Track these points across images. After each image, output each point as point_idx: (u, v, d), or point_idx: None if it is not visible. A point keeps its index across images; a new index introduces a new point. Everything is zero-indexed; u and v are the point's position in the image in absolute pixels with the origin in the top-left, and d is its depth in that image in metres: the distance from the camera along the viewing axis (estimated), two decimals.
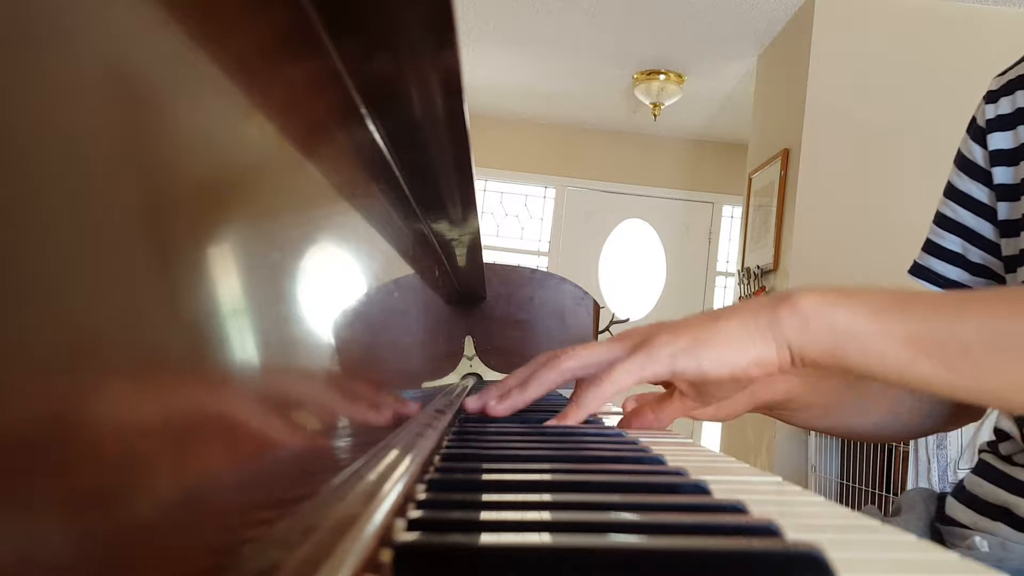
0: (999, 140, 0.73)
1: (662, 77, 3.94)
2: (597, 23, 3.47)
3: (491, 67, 4.10)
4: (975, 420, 0.75)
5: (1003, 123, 0.73)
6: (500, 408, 0.59)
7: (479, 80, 4.25)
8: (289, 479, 0.25)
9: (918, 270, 0.81)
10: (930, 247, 0.80)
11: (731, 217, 5.02)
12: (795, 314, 0.51)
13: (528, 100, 4.60)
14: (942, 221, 0.79)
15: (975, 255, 0.76)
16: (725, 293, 4.98)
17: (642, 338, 0.54)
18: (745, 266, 3.41)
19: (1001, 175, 0.73)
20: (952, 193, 0.78)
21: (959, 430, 2.20)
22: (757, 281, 3.24)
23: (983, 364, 0.49)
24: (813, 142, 2.95)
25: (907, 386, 0.53)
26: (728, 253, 5.04)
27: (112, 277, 0.15)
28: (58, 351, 0.13)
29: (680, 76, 3.96)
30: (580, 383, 0.62)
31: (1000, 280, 0.75)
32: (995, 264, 0.75)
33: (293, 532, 0.22)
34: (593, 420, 0.65)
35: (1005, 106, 0.73)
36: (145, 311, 0.17)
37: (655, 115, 4.12)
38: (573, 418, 0.54)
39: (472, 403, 0.62)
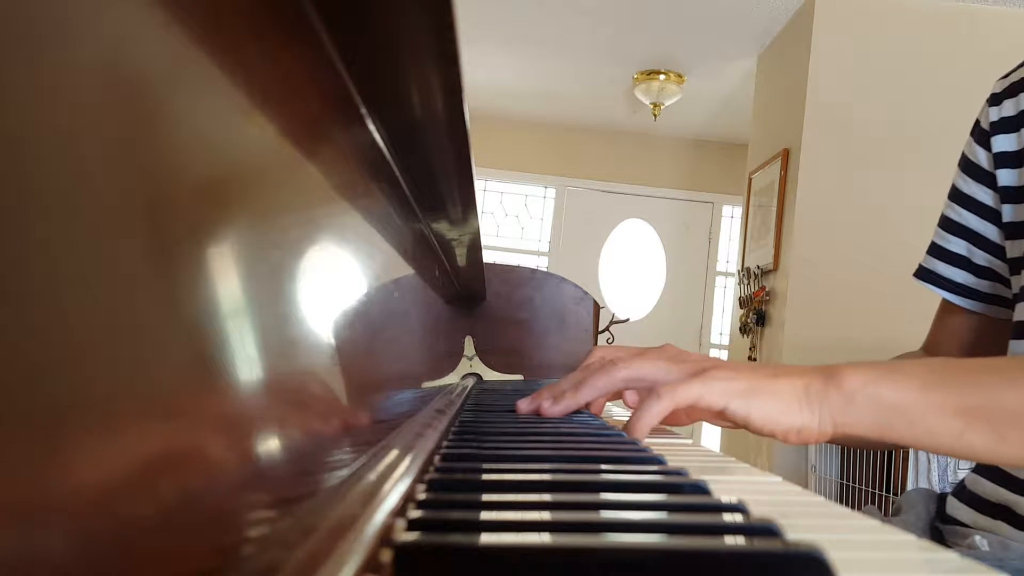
0: (1003, 143, 0.73)
1: (662, 77, 3.94)
2: (597, 23, 3.47)
3: (491, 67, 4.10)
4: None
5: (1007, 126, 0.73)
6: (555, 409, 0.63)
7: (479, 80, 4.25)
8: (289, 479, 0.25)
9: (924, 274, 0.81)
10: (935, 251, 0.80)
11: (731, 217, 5.02)
12: (840, 391, 0.53)
13: (528, 100, 4.60)
14: (947, 224, 0.79)
15: (980, 258, 0.76)
16: (725, 293, 4.98)
17: (700, 367, 0.56)
18: (745, 266, 3.41)
19: (1005, 177, 0.73)
20: (956, 196, 0.78)
21: None
22: (757, 281, 3.24)
23: None
24: (813, 142, 2.95)
25: (954, 455, 0.55)
26: (728, 253, 5.04)
27: (112, 277, 0.15)
28: (58, 351, 0.13)
29: (680, 76, 3.96)
30: (636, 395, 0.64)
31: (1005, 282, 0.75)
32: (1000, 267, 0.75)
33: (293, 532, 0.22)
34: (593, 419, 0.65)
35: (1009, 108, 0.73)
36: (145, 311, 0.17)
37: (655, 115, 4.12)
38: (639, 431, 0.54)
39: (525, 405, 0.65)
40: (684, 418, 0.65)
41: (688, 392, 0.53)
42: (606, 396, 0.65)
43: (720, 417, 0.55)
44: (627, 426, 0.55)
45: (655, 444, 0.59)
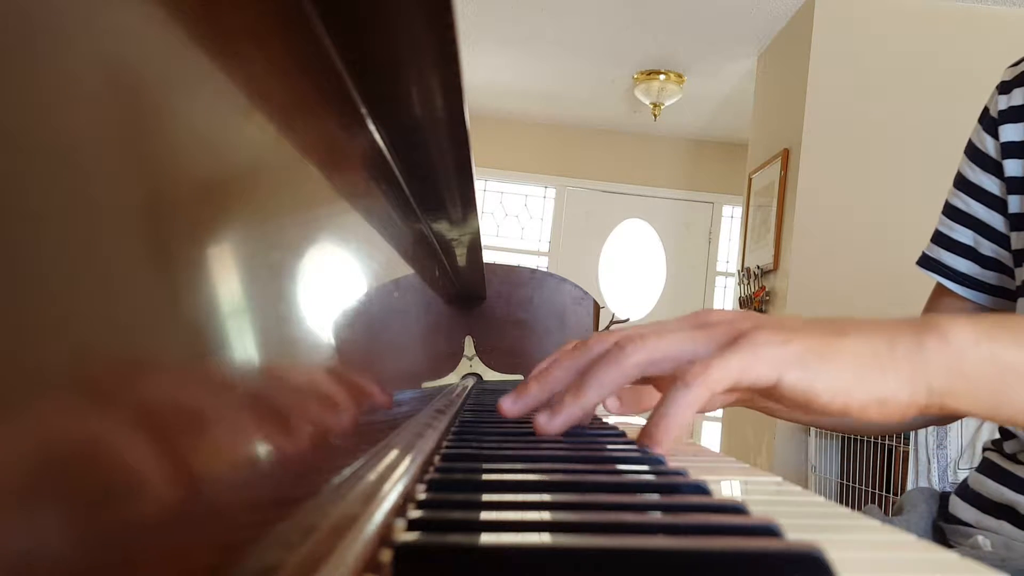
0: (1011, 132, 0.72)
1: (662, 77, 3.94)
2: (597, 23, 3.47)
3: (491, 67, 4.10)
4: None
5: (1016, 115, 0.72)
6: (554, 424, 0.47)
7: (479, 80, 4.25)
8: (289, 479, 0.25)
9: (927, 262, 0.80)
10: (940, 239, 0.79)
11: (731, 217, 5.02)
12: (946, 347, 0.41)
13: (528, 100, 4.61)
14: (952, 213, 0.77)
15: (986, 248, 0.75)
16: (725, 293, 4.98)
17: (735, 329, 0.42)
18: (745, 266, 3.41)
19: (1012, 167, 0.72)
20: (963, 184, 0.77)
21: (959, 430, 2.20)
22: (757, 281, 3.24)
23: None
24: (813, 142, 2.95)
25: None
26: (728, 253, 5.04)
27: (112, 277, 0.15)
28: (58, 351, 0.13)
29: (680, 76, 3.96)
30: (655, 384, 0.51)
31: (1009, 273, 0.75)
32: (1006, 257, 0.74)
33: (293, 532, 0.22)
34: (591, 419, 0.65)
35: (1018, 97, 0.72)
36: (144, 311, 0.17)
37: (655, 115, 4.12)
38: (662, 439, 0.42)
39: (509, 404, 0.50)
40: (719, 401, 0.53)
41: (726, 370, 0.40)
42: (613, 393, 0.47)
43: (769, 395, 0.42)
44: (645, 433, 0.42)
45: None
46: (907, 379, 0.40)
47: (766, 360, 0.40)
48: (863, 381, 0.40)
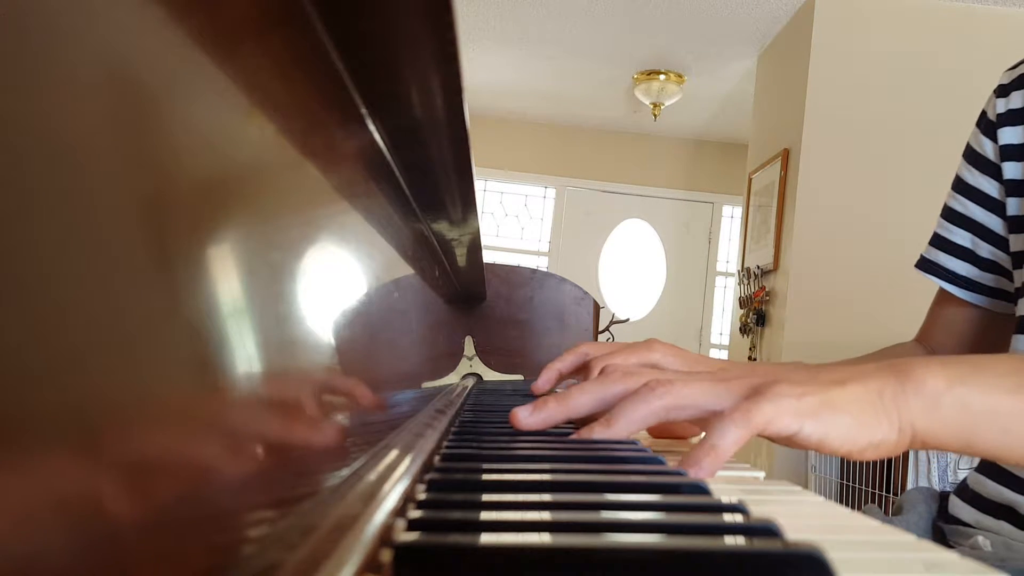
0: (1009, 135, 0.72)
1: (662, 77, 3.94)
2: (597, 23, 3.47)
3: (491, 67, 4.10)
4: None
5: (1014, 118, 0.72)
6: (603, 433, 0.49)
7: (479, 80, 4.25)
8: (289, 479, 0.25)
9: (925, 264, 0.80)
10: (938, 241, 0.79)
11: (731, 217, 5.02)
12: (921, 394, 0.45)
13: (528, 100, 4.61)
14: (950, 215, 0.78)
15: (984, 250, 0.75)
16: (725, 293, 4.98)
17: (751, 385, 0.47)
18: (745, 266, 3.41)
19: (1011, 170, 0.72)
20: (961, 187, 0.77)
21: None
22: (757, 281, 3.24)
23: None
24: (813, 142, 2.95)
25: None
26: (728, 253, 5.04)
27: (112, 277, 0.15)
28: (58, 351, 0.13)
29: (680, 76, 3.96)
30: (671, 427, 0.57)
31: (1008, 275, 0.75)
32: (1004, 259, 0.75)
33: (293, 532, 0.22)
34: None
35: (1016, 100, 0.73)
36: (144, 311, 0.17)
37: (655, 115, 4.12)
38: (709, 468, 0.43)
39: (525, 417, 0.52)
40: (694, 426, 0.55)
41: (762, 415, 0.44)
42: (638, 430, 0.50)
43: (785, 442, 0.46)
44: (692, 459, 0.43)
45: (655, 444, 0.59)
46: (895, 424, 0.45)
47: (789, 413, 0.44)
48: (863, 429, 0.45)
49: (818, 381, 0.46)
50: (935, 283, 0.80)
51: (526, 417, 0.52)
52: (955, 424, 0.45)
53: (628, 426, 0.48)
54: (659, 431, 0.62)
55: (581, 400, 0.52)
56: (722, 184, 4.93)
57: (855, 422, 0.44)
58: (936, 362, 0.47)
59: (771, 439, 0.49)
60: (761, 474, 0.46)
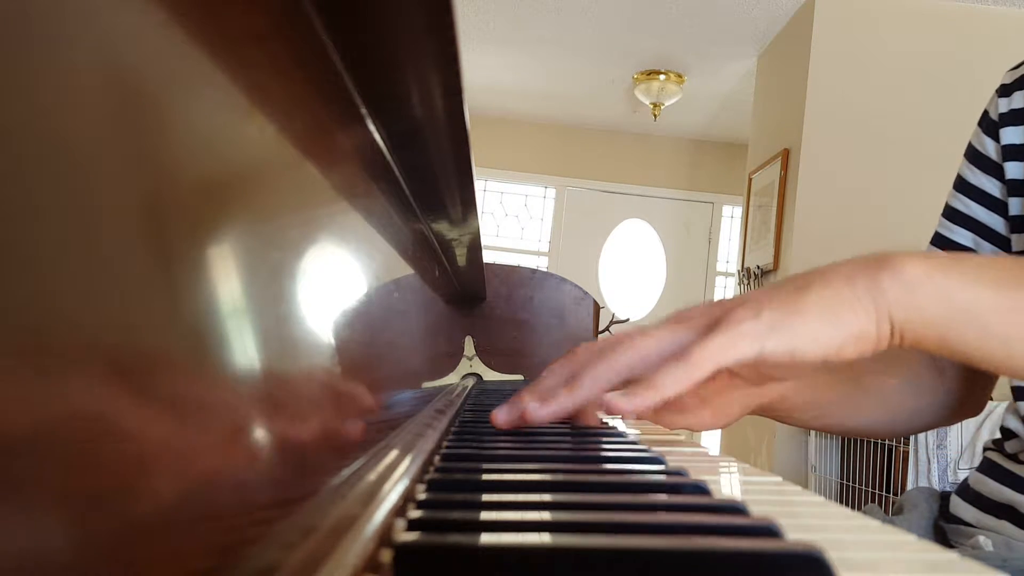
0: (1012, 135, 0.73)
1: (662, 77, 3.94)
2: (597, 23, 3.47)
3: (491, 67, 4.10)
4: (975, 415, 0.75)
5: (1016, 118, 0.73)
6: (543, 413, 0.48)
7: (479, 80, 4.25)
8: (289, 479, 0.25)
9: None
10: (939, 240, 0.79)
11: (731, 217, 5.02)
12: (899, 281, 0.42)
13: (528, 100, 4.61)
14: (952, 215, 0.78)
15: (986, 250, 0.75)
16: (725, 293, 4.98)
17: (712, 316, 0.45)
18: (745, 266, 3.41)
19: (1013, 170, 0.72)
20: (963, 186, 0.77)
21: (959, 430, 2.20)
22: (757, 281, 3.24)
23: None
24: (813, 142, 2.95)
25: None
26: (728, 253, 5.04)
27: (112, 277, 0.15)
28: (59, 351, 0.13)
29: (680, 76, 3.96)
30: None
31: None
32: None
33: (293, 532, 0.22)
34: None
35: (1019, 100, 0.73)
36: (144, 310, 0.17)
37: (655, 115, 4.12)
38: (649, 400, 0.43)
39: (502, 415, 0.51)
40: (736, 412, 0.56)
41: (710, 352, 0.42)
42: (606, 391, 0.48)
43: (759, 374, 0.44)
44: (630, 392, 0.43)
45: (655, 444, 0.59)
46: (872, 314, 0.42)
47: (746, 335, 0.42)
48: (835, 324, 0.42)
49: (778, 293, 0.44)
50: None
51: (503, 416, 0.51)
52: (932, 315, 0.42)
53: (592, 384, 0.47)
54: (654, 420, 0.59)
55: (548, 382, 0.50)
56: (722, 184, 4.93)
57: (824, 322, 0.42)
58: (916, 253, 0.44)
59: (744, 392, 0.48)
60: (777, 478, 0.45)
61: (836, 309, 0.42)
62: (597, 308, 1.54)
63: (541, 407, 0.48)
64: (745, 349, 0.42)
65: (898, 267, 0.43)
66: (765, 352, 0.42)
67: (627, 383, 0.47)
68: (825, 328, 0.42)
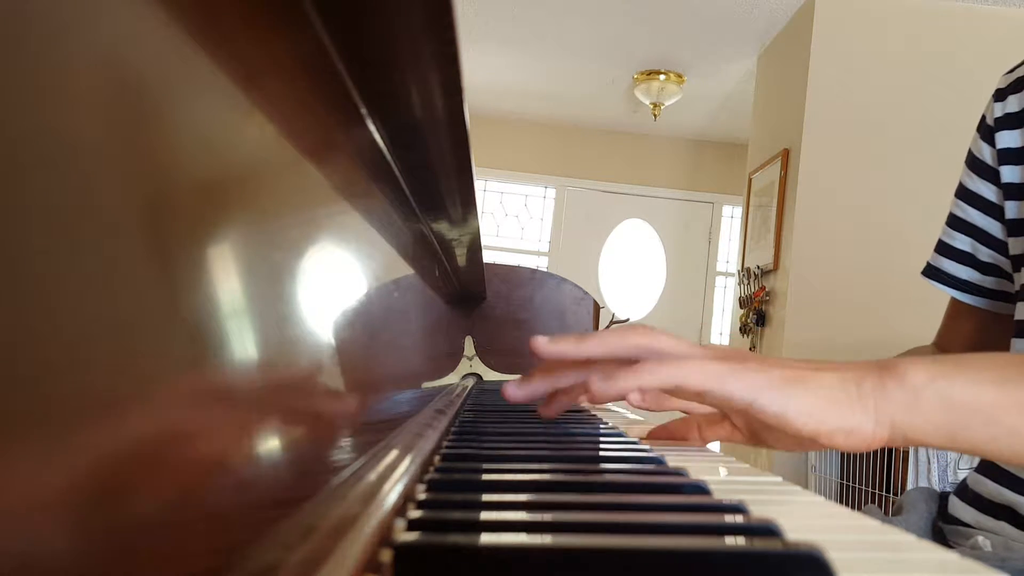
0: (1007, 139, 0.73)
1: (662, 77, 3.94)
2: (597, 23, 3.47)
3: (491, 67, 4.10)
4: None
5: (1011, 122, 0.73)
6: (550, 349, 0.53)
7: (479, 80, 4.25)
8: (289, 479, 0.25)
9: (930, 271, 0.81)
10: (942, 248, 0.80)
11: (731, 217, 5.02)
12: (903, 387, 0.45)
13: (528, 100, 4.60)
14: (953, 222, 0.79)
15: (984, 254, 0.76)
16: (725, 293, 4.98)
17: (727, 354, 0.48)
18: (745, 266, 3.41)
19: (1008, 174, 0.73)
20: (963, 193, 0.78)
21: None
22: (757, 281, 3.24)
23: None
24: (813, 142, 2.95)
25: None
26: (728, 253, 5.04)
27: (112, 277, 0.15)
28: (59, 350, 0.13)
29: (680, 76, 3.95)
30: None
31: (1009, 278, 0.75)
32: (1004, 263, 0.75)
33: (293, 532, 0.22)
34: (591, 417, 0.65)
35: (1013, 104, 0.73)
36: (145, 311, 0.17)
37: (655, 115, 4.12)
38: (628, 383, 0.45)
39: (513, 391, 0.56)
40: (714, 434, 0.59)
41: (707, 372, 0.44)
42: (609, 359, 0.51)
43: (751, 432, 0.47)
44: (602, 374, 0.46)
45: (655, 444, 0.59)
46: (872, 414, 0.45)
47: (744, 378, 0.44)
48: (832, 411, 0.44)
49: (796, 362, 0.46)
50: (939, 289, 0.81)
51: (515, 391, 0.56)
52: (937, 418, 0.45)
53: (599, 347, 0.51)
54: (660, 432, 0.62)
55: (565, 374, 0.55)
56: (722, 184, 4.93)
57: (822, 403, 0.44)
58: (922, 359, 0.47)
59: (719, 428, 0.52)
60: (777, 478, 0.46)
61: (838, 398, 0.45)
62: (597, 308, 1.54)
63: (549, 345, 0.53)
64: (741, 390, 0.44)
65: (902, 374, 0.45)
66: (757, 404, 0.44)
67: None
68: (821, 408, 0.44)
